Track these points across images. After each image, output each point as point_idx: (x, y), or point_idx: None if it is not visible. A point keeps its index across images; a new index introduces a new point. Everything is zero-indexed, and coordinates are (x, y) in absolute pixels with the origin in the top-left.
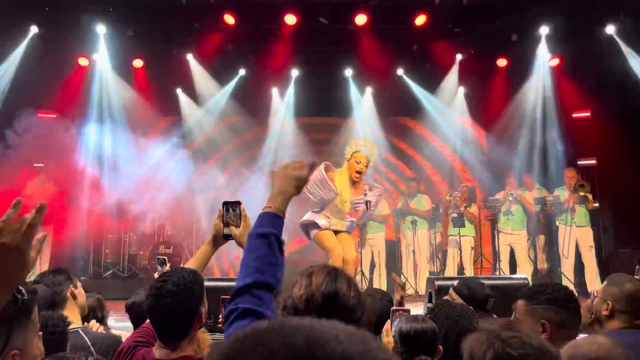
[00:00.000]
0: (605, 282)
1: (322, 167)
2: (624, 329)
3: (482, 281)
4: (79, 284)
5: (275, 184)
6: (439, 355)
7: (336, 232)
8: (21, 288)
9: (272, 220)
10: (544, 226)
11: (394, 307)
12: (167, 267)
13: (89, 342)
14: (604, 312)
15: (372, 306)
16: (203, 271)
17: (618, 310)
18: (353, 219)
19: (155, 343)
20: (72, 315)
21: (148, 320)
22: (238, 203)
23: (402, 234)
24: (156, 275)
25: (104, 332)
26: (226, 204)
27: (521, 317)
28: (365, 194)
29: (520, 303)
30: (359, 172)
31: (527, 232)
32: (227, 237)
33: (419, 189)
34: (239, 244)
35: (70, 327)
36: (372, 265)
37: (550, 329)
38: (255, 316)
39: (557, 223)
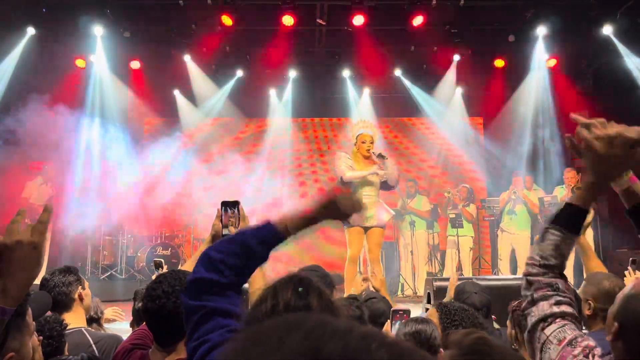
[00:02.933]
0: (583, 282)
1: (341, 153)
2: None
3: (480, 282)
4: (86, 284)
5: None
6: (440, 358)
7: (368, 228)
8: None
9: (269, 235)
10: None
11: (393, 309)
12: (164, 270)
13: (91, 341)
14: (587, 312)
15: (370, 308)
16: None
17: (600, 308)
18: (389, 210)
19: (152, 345)
20: (78, 316)
21: (145, 322)
22: (237, 203)
23: (400, 234)
24: (153, 278)
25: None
26: (225, 204)
27: None
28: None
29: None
30: (369, 150)
31: (530, 233)
32: None
33: (418, 189)
34: None
35: (75, 326)
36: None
37: None
38: (229, 316)
39: None
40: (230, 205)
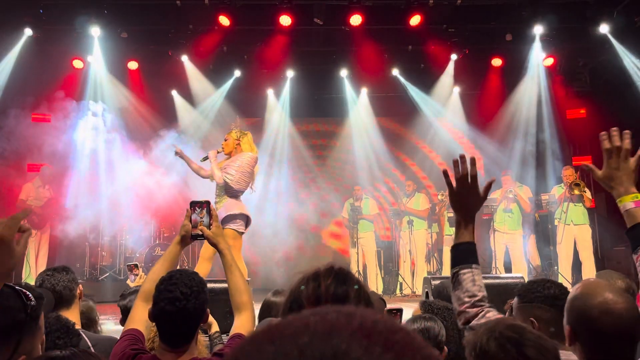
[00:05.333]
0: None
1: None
2: None
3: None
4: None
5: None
6: (444, 355)
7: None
8: (29, 294)
9: None
10: (538, 224)
11: (387, 308)
12: (140, 272)
13: (89, 343)
14: None
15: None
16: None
17: None
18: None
19: (159, 348)
20: (74, 315)
21: (131, 327)
22: (207, 203)
23: (398, 233)
24: (128, 282)
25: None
26: (194, 204)
27: (516, 314)
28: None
29: (515, 301)
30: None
31: (522, 231)
32: (195, 238)
33: (415, 188)
34: (212, 245)
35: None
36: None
37: (538, 326)
38: None
39: (555, 222)
40: (200, 205)
